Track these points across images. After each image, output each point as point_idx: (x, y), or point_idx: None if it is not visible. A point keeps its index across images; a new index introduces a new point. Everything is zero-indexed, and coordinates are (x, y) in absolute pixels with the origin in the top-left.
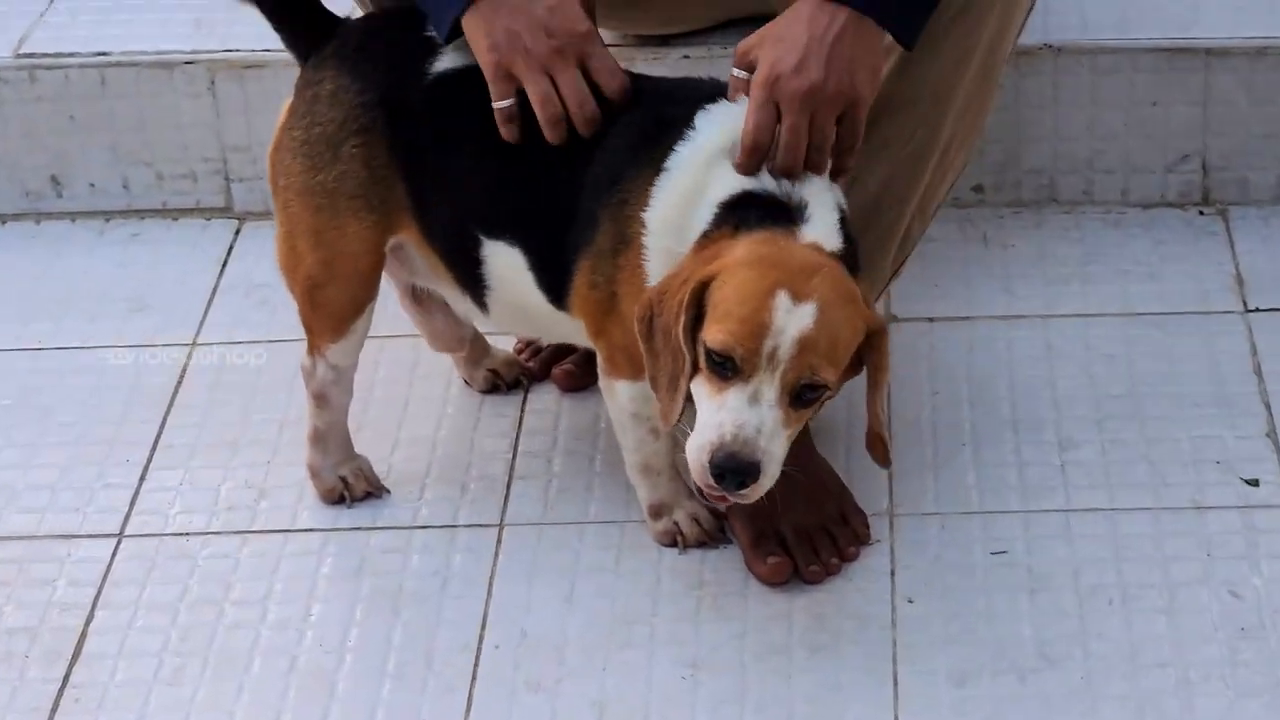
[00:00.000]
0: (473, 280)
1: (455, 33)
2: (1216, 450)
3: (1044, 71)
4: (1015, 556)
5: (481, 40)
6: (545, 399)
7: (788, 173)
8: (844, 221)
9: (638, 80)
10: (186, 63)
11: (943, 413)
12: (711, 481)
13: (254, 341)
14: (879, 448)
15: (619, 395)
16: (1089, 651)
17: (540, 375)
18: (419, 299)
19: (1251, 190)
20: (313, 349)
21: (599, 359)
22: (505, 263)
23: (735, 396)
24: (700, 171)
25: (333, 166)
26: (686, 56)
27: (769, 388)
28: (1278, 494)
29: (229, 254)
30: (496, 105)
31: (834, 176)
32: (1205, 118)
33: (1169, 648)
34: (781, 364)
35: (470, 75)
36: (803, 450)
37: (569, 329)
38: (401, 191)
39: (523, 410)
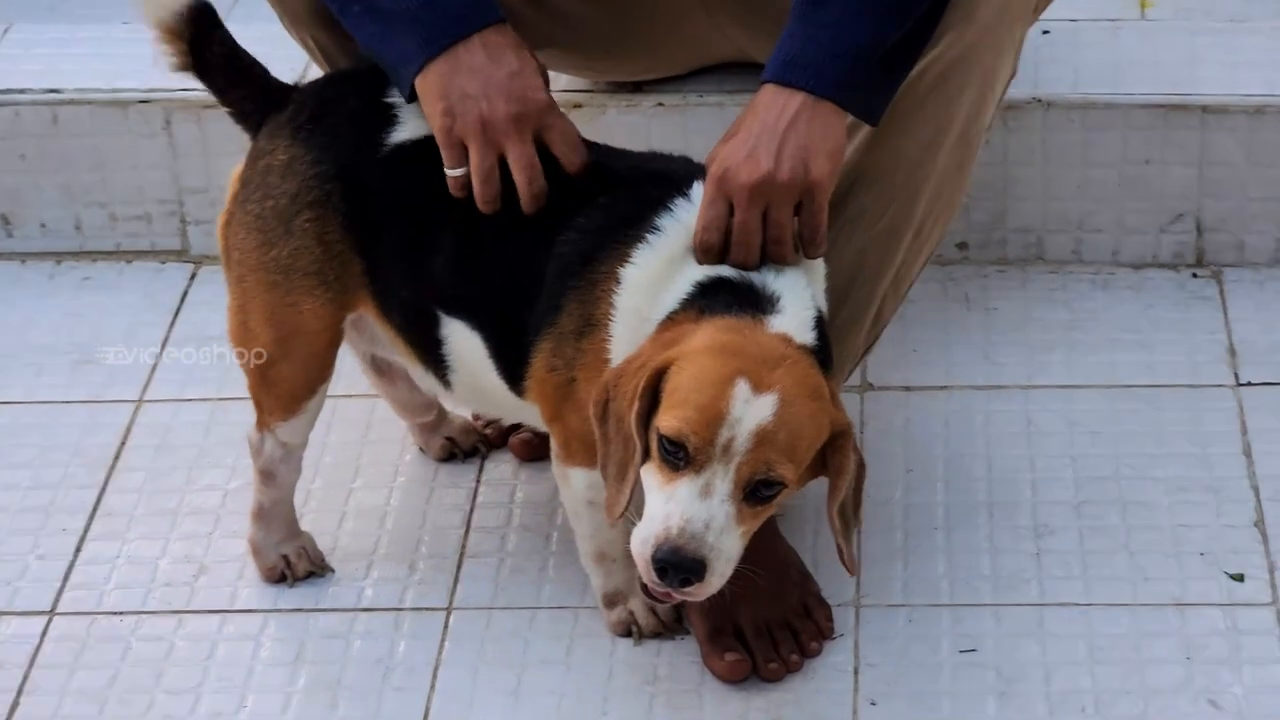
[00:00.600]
0: (434, 359)
1: (416, 94)
2: (1201, 540)
3: (1033, 127)
4: (985, 655)
5: (436, 103)
6: (502, 469)
7: (743, 267)
8: (819, 320)
9: (610, 156)
10: (141, 101)
11: (916, 492)
12: (655, 577)
13: (203, 399)
14: (841, 557)
15: (574, 483)
16: None
17: (497, 443)
18: (380, 368)
19: (1248, 253)
20: (261, 425)
21: (553, 445)
22: (464, 344)
23: (686, 488)
24: (676, 257)
25: (286, 242)
26: (660, 104)
27: (722, 481)
28: (1263, 591)
29: (183, 301)
30: (450, 173)
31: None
32: (1201, 177)
33: None
34: (736, 456)
35: (429, 145)
36: (765, 534)
37: (528, 413)
38: (358, 268)
39: (478, 481)
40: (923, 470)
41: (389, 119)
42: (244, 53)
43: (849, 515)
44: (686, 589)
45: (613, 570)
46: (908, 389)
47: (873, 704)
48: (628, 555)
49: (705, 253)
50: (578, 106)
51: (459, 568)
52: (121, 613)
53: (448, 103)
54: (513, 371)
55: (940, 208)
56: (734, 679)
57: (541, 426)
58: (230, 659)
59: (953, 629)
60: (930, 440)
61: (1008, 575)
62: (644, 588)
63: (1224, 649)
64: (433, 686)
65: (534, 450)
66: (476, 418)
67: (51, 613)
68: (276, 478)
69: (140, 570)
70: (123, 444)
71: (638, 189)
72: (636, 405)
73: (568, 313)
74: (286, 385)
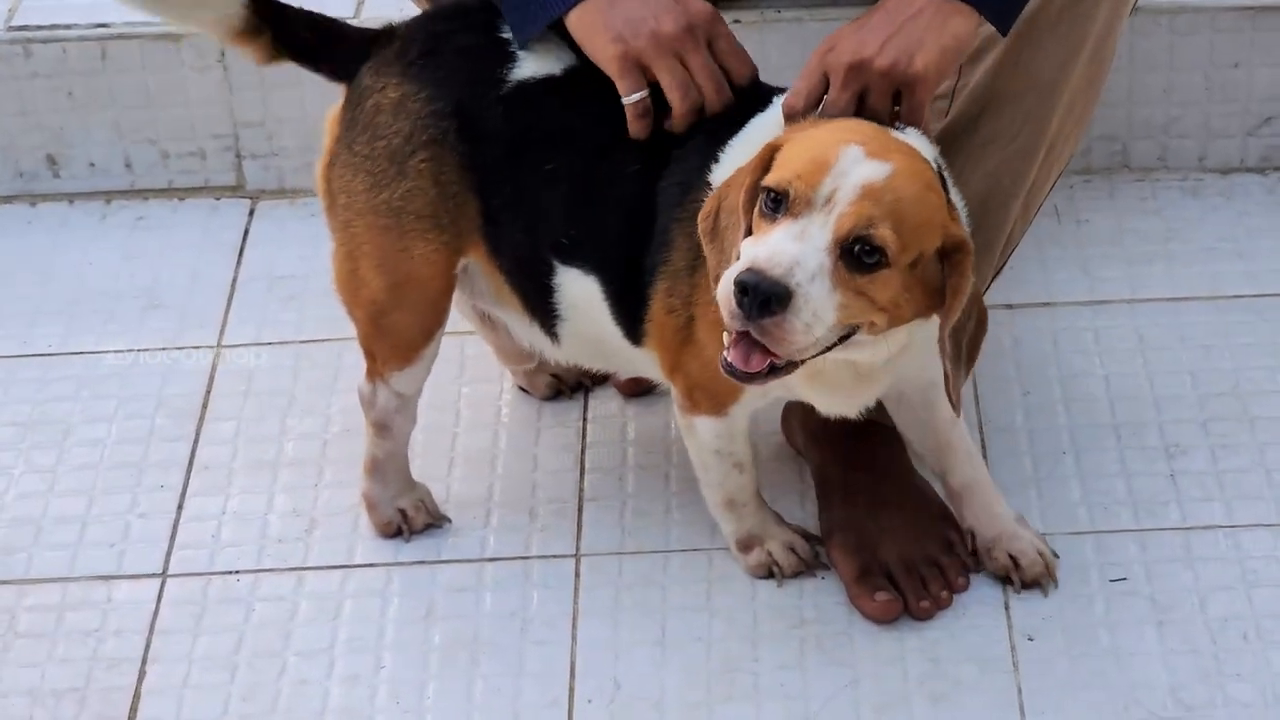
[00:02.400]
0: (543, 309)
1: (531, 35)
2: None
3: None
4: (1135, 584)
5: (601, 33)
6: (608, 405)
7: None
8: (942, 174)
9: None
10: (196, 34)
11: (1037, 416)
12: (735, 306)
13: (285, 342)
14: (946, 386)
15: (700, 433)
16: (1228, 696)
17: (601, 378)
18: (484, 317)
19: None
20: (374, 375)
21: (676, 397)
22: (579, 291)
23: (781, 231)
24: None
25: (399, 183)
26: (738, 21)
27: (820, 230)
28: None
29: (245, 240)
30: (628, 100)
31: None
32: None
33: None
34: (838, 207)
35: (554, 84)
36: (902, 471)
37: (645, 363)
38: (473, 209)
39: (585, 419)
40: (1040, 393)
41: (506, 55)
42: (321, 18)
43: (960, 343)
44: (765, 320)
45: (744, 515)
46: (1010, 307)
47: (1030, 639)
48: (758, 499)
49: (787, 119)
50: None
51: (580, 512)
52: (237, 572)
53: (614, 30)
54: (632, 318)
55: (1071, 125)
56: (886, 619)
57: (656, 377)
58: (359, 617)
59: (1098, 558)
60: (1042, 361)
61: (1145, 499)
62: (724, 367)
63: None
64: (574, 638)
65: (639, 385)
66: None
67: (164, 575)
68: (392, 429)
69: (249, 526)
70: (208, 392)
71: (727, 113)
72: (748, 181)
73: (677, 247)
74: (402, 333)
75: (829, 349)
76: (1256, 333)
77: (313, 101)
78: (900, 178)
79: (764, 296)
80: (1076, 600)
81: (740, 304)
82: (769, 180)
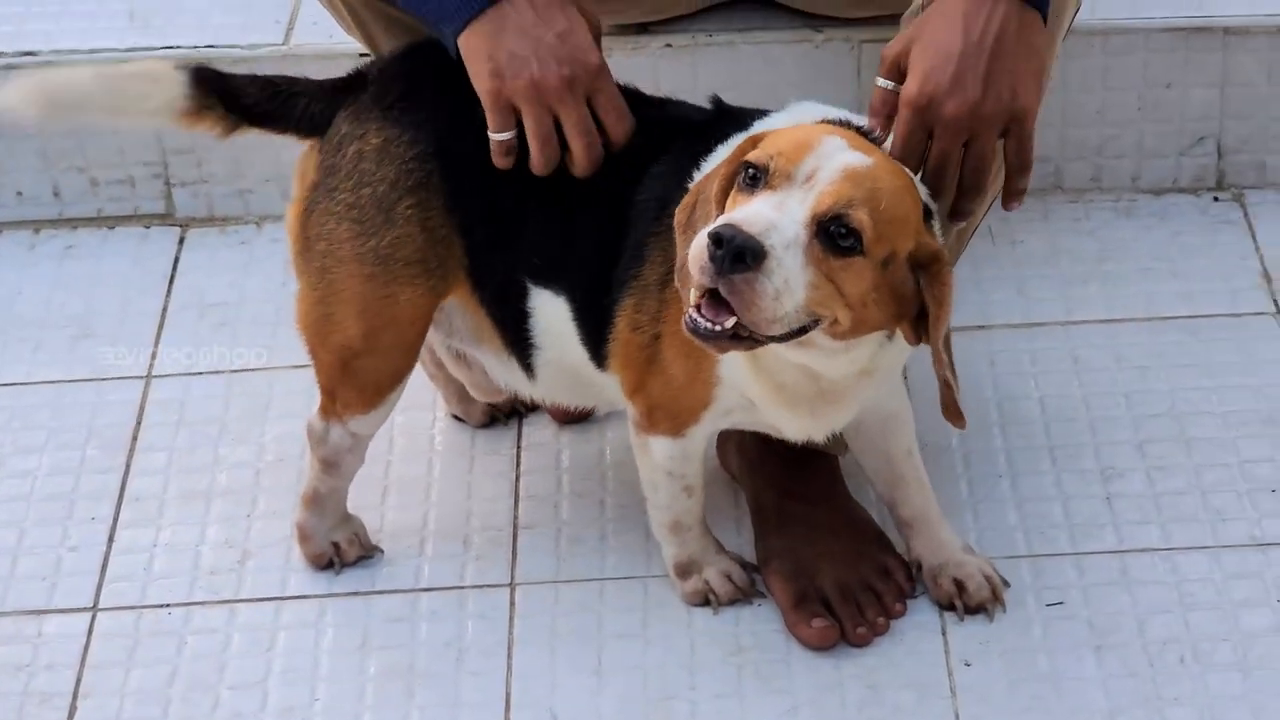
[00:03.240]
0: (520, 340)
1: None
2: (1270, 476)
3: None
4: (1073, 608)
5: (482, 64)
6: (543, 432)
7: (933, 197)
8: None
9: (678, 107)
10: (120, 61)
11: (973, 439)
12: (706, 259)
13: (217, 371)
14: (948, 403)
15: (654, 453)
16: (1166, 719)
17: (532, 406)
18: (458, 353)
19: (1269, 174)
20: (330, 414)
21: (634, 414)
22: (552, 314)
23: (759, 200)
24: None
25: (386, 231)
26: (669, 45)
27: (798, 204)
28: None
29: (175, 268)
30: (494, 137)
31: (1005, 204)
32: (1223, 100)
33: (1249, 712)
34: (818, 186)
35: None
36: (838, 498)
37: (616, 397)
38: (459, 249)
39: (519, 447)
40: (976, 415)
41: None
42: (270, 79)
43: (951, 357)
44: (736, 275)
45: (687, 540)
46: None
47: (967, 664)
48: (703, 524)
49: None
50: None
51: (515, 540)
52: (169, 605)
53: (495, 64)
54: (596, 338)
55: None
56: (823, 645)
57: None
58: (293, 648)
59: (1035, 582)
60: (978, 383)
61: (1082, 522)
62: (688, 325)
63: None
64: (509, 668)
65: (571, 413)
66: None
67: (95, 608)
68: (340, 467)
69: (181, 558)
70: (139, 423)
71: (709, 127)
72: (725, 169)
73: (650, 262)
74: (370, 377)
75: (789, 336)
76: (1192, 353)
77: None
78: (881, 170)
79: (738, 249)
80: (1014, 625)
81: (713, 257)
82: (750, 155)
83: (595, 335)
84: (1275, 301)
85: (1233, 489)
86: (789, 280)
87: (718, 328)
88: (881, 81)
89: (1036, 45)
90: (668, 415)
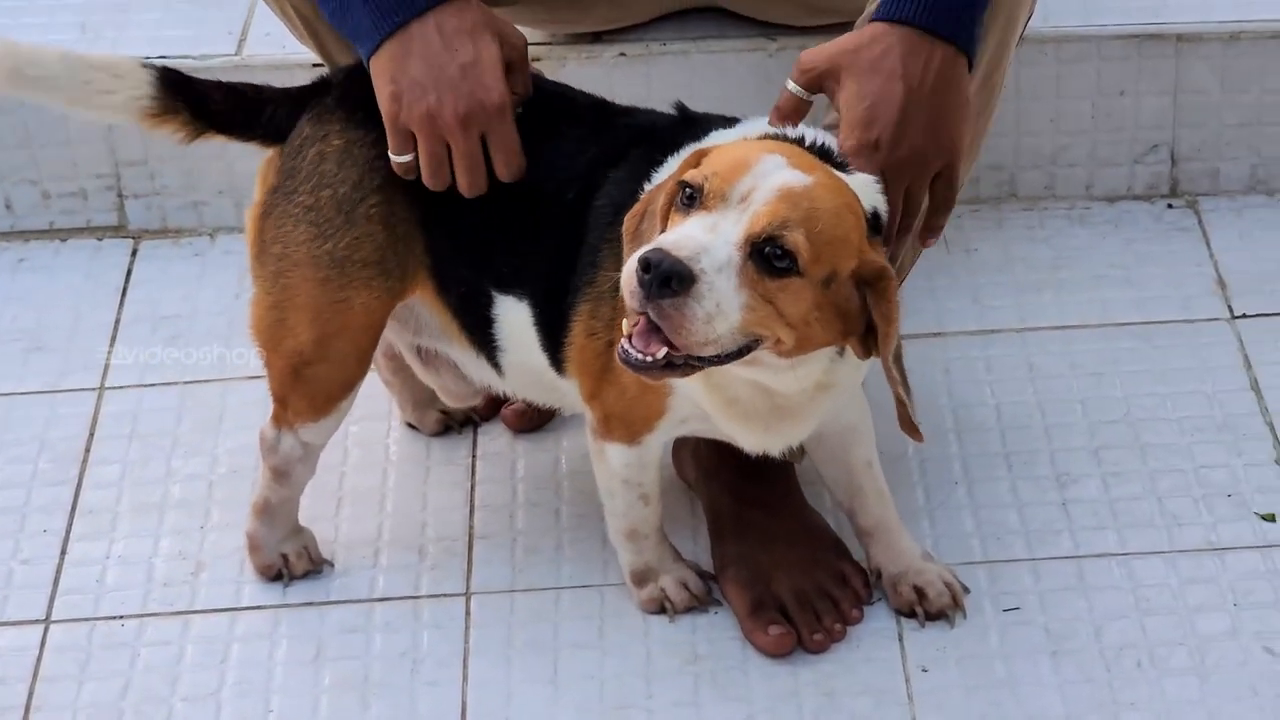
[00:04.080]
0: (486, 342)
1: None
2: (1225, 481)
3: None
4: (1029, 613)
5: (384, 86)
6: (497, 442)
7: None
8: (876, 216)
9: (646, 115)
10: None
11: (928, 446)
12: (634, 284)
13: (169, 383)
14: (903, 418)
15: (610, 460)
16: None
17: (488, 415)
18: (426, 357)
19: (1222, 181)
20: (281, 422)
21: (590, 421)
22: (515, 320)
23: (692, 222)
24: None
25: (346, 232)
26: (623, 54)
27: (732, 225)
28: None
29: (127, 280)
30: (394, 158)
31: (922, 238)
32: (1176, 106)
33: (1205, 717)
34: (753, 206)
35: None
36: (794, 504)
37: (577, 397)
38: (421, 248)
39: (474, 456)
40: (931, 422)
41: None
42: (236, 86)
43: (904, 371)
44: (665, 300)
45: (644, 547)
46: (901, 337)
47: (924, 670)
48: (660, 533)
49: None
50: (537, 60)
51: (470, 550)
52: (122, 617)
53: (396, 88)
54: (555, 343)
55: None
56: (780, 652)
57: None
58: (247, 660)
59: (991, 587)
60: (933, 390)
61: (1038, 528)
62: (621, 355)
63: (1268, 592)
64: (465, 678)
65: (527, 421)
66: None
67: (47, 620)
68: (290, 476)
69: (134, 570)
70: (91, 435)
71: (668, 134)
72: (670, 185)
73: (605, 268)
74: (321, 385)
75: (731, 357)
76: (1146, 360)
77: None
78: (820, 190)
79: (665, 275)
80: (971, 631)
81: (641, 281)
82: (687, 175)
83: (554, 340)
84: (1229, 307)
85: (1188, 494)
86: (720, 304)
87: (648, 358)
88: (795, 88)
89: (965, 90)
90: (623, 424)
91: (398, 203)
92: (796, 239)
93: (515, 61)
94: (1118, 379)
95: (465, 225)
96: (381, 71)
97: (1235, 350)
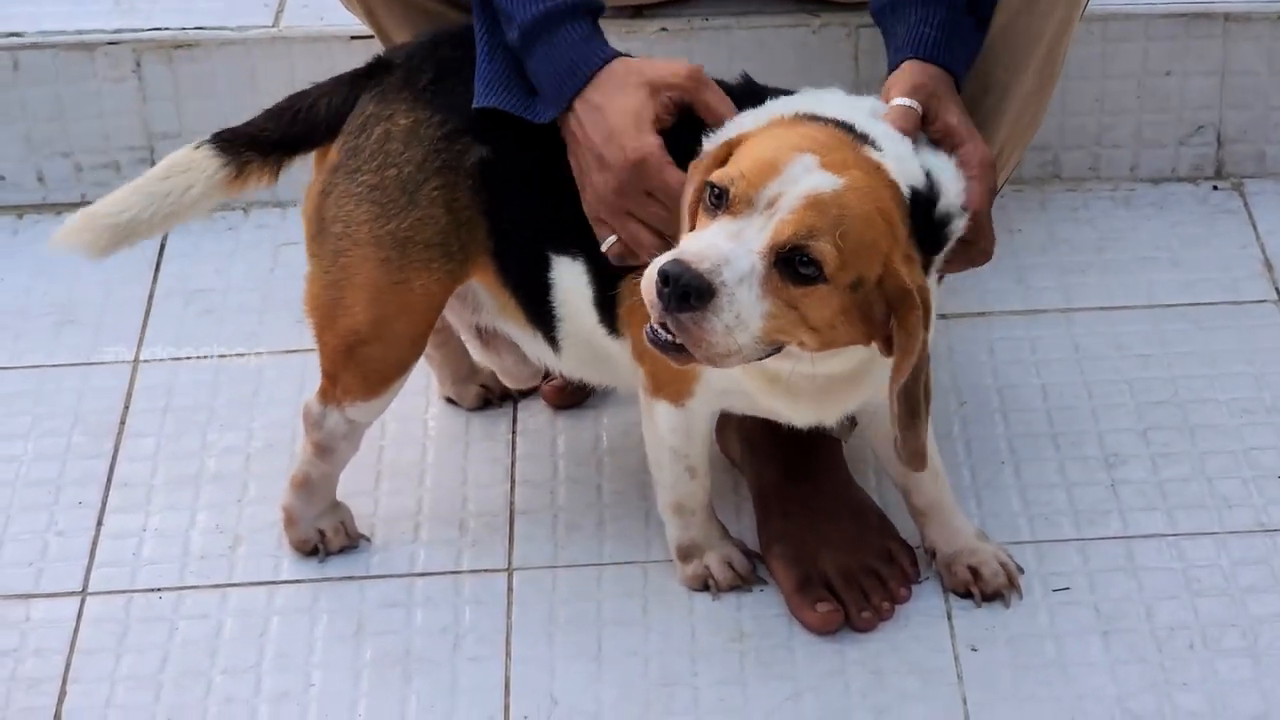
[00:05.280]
0: (543, 315)
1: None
2: (1275, 463)
3: None
4: (1079, 593)
5: (573, 167)
6: (537, 418)
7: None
8: (920, 196)
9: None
10: (109, 43)
11: (975, 425)
12: (654, 295)
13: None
14: (905, 447)
15: (659, 420)
16: (1176, 705)
17: (528, 390)
18: (485, 338)
19: (1269, 163)
20: (329, 399)
21: (643, 379)
22: (570, 281)
23: (716, 227)
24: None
25: (408, 213)
26: (664, 29)
27: (757, 233)
28: None
29: (161, 255)
30: (604, 250)
31: (976, 261)
32: (1223, 87)
33: (1259, 697)
34: (779, 213)
35: None
36: (840, 481)
37: (629, 373)
38: (483, 231)
39: (514, 432)
40: (977, 402)
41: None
42: (284, 103)
43: (917, 401)
44: (684, 315)
45: (690, 523)
46: (944, 316)
47: (974, 649)
48: (708, 508)
49: None
50: None
51: (511, 526)
52: (160, 589)
53: (578, 181)
54: (608, 301)
55: (1019, 133)
56: (827, 630)
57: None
58: (286, 634)
59: (1040, 567)
60: (978, 370)
61: (1086, 509)
62: (649, 333)
63: None
64: (508, 654)
65: (567, 397)
66: None
67: (84, 593)
68: (334, 453)
69: (170, 543)
70: (126, 408)
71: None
72: (697, 178)
73: None
74: (376, 365)
75: (757, 359)
76: (1193, 342)
77: (229, 112)
78: (851, 194)
79: (684, 289)
80: (1020, 611)
81: (660, 294)
82: (714, 175)
83: (607, 299)
84: (1277, 289)
85: (1238, 475)
86: (741, 314)
87: (677, 340)
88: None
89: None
90: (674, 379)
91: (461, 188)
92: (823, 248)
93: (687, 91)
94: (1165, 360)
95: (531, 200)
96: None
97: None
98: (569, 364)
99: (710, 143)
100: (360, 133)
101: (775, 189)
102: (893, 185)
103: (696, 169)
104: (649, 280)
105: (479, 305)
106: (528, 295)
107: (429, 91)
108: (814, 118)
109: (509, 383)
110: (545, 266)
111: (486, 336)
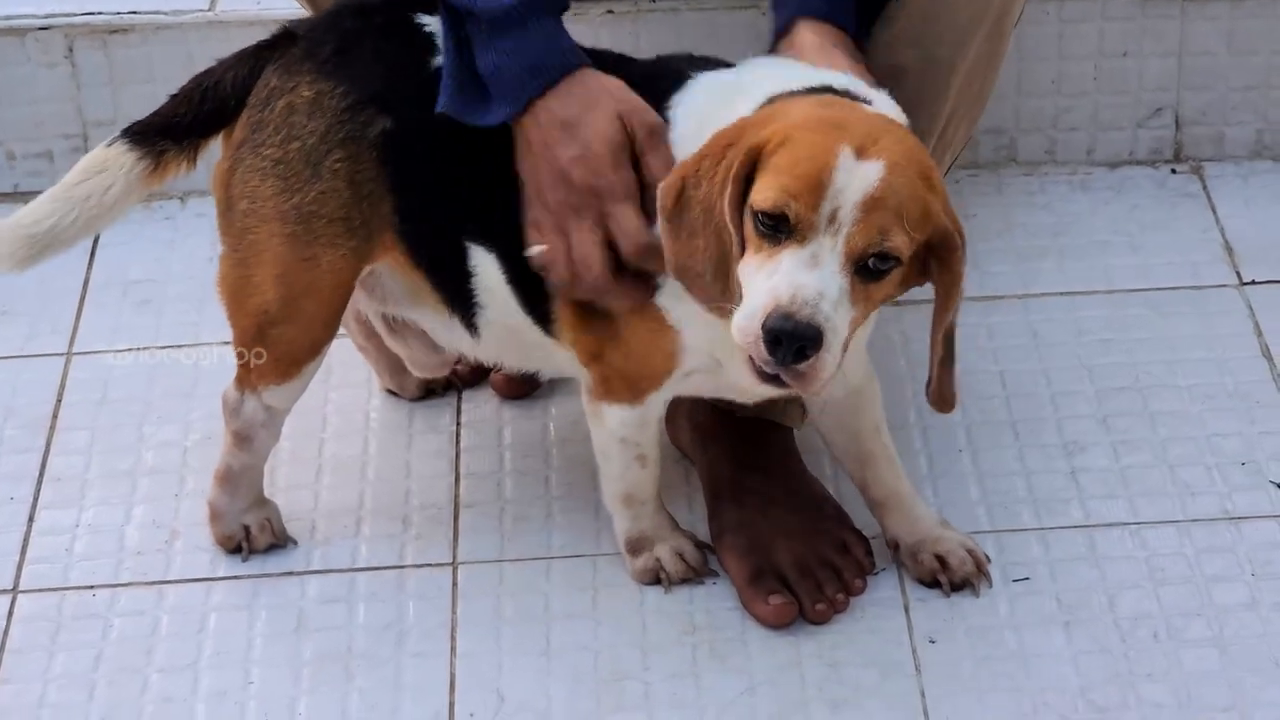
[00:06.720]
0: (463, 299)
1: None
2: (1239, 449)
3: None
4: (1040, 583)
5: (521, 167)
6: (483, 409)
7: None
8: None
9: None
10: (41, 28)
11: (931, 414)
12: (765, 353)
13: (141, 348)
14: (942, 389)
15: (608, 420)
16: (1141, 697)
17: (471, 380)
18: (393, 327)
19: (1227, 146)
20: (245, 384)
21: (588, 382)
22: (494, 274)
23: (790, 259)
24: (724, 98)
25: (312, 185)
26: (610, 12)
27: (831, 253)
28: None
29: (95, 244)
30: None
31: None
32: (1180, 69)
33: (1226, 688)
34: (845, 227)
35: None
36: (792, 470)
37: (562, 359)
38: (388, 207)
39: (459, 423)
40: None
41: (428, 45)
42: (190, 85)
43: (953, 340)
44: (801, 365)
45: (640, 514)
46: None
47: (932, 641)
48: (657, 499)
49: None
50: None
51: (456, 519)
52: (93, 587)
53: (524, 178)
54: (535, 302)
55: (966, 107)
56: (781, 623)
57: (571, 371)
58: (225, 630)
59: (999, 557)
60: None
61: (1046, 497)
62: (759, 373)
63: None
64: (453, 650)
65: (517, 387)
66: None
67: (15, 590)
68: (253, 442)
69: (105, 539)
70: (59, 401)
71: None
72: (730, 190)
73: None
74: (288, 347)
75: None
76: (1153, 327)
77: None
78: (895, 174)
79: (800, 346)
80: (979, 602)
81: (774, 353)
82: (762, 204)
83: (537, 300)
84: (1238, 274)
85: (1201, 462)
86: (838, 332)
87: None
88: None
89: None
90: (627, 384)
91: (364, 160)
92: (896, 243)
93: (642, 142)
94: (1124, 346)
95: (444, 179)
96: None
97: (1245, 317)
98: (488, 350)
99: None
100: (264, 106)
101: (831, 203)
102: (909, 134)
103: (711, 161)
104: (750, 336)
105: (386, 295)
106: (443, 280)
107: (332, 63)
108: (807, 91)
109: (416, 371)
110: (463, 254)
111: (395, 324)
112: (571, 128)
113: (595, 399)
